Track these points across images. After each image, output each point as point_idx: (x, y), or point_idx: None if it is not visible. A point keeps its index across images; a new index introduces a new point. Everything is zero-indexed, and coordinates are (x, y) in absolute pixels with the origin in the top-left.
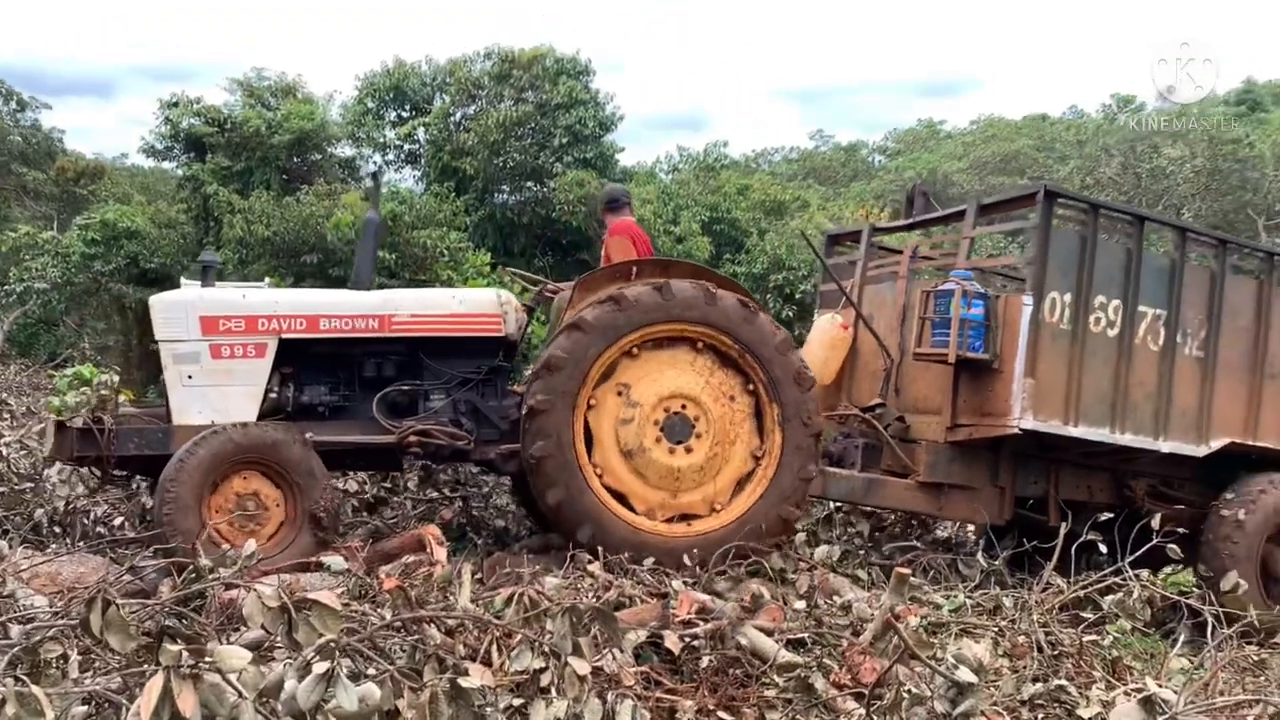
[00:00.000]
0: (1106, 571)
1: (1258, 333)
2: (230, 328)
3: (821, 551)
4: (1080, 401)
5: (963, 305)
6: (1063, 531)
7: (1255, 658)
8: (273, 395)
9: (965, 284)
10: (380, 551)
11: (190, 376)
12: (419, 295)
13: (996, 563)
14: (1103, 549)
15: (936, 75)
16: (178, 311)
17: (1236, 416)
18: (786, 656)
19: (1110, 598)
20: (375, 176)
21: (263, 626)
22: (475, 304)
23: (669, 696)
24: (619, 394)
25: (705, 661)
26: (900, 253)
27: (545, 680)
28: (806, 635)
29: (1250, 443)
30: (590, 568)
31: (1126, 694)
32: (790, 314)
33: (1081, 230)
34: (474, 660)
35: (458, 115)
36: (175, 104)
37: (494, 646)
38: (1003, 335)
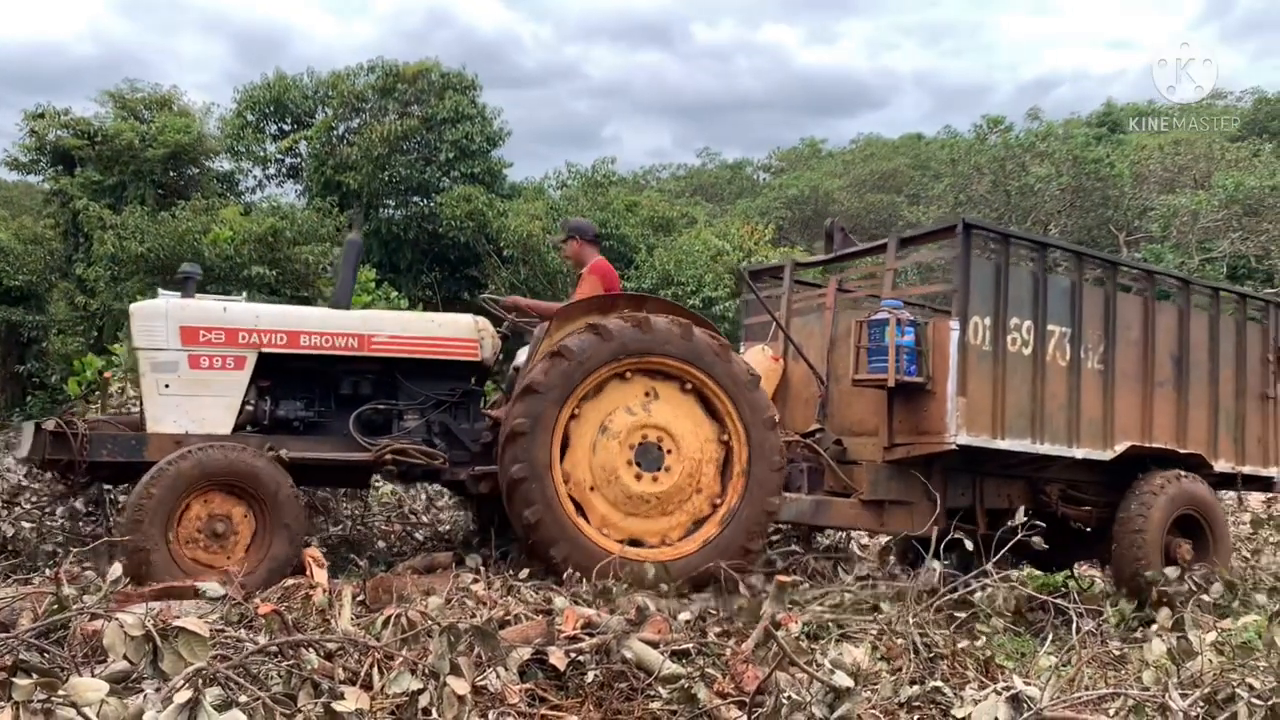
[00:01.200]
0: (975, 572)
1: (1145, 345)
2: (210, 339)
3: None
4: (1005, 416)
5: (897, 333)
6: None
7: (1117, 652)
8: (249, 408)
9: (897, 313)
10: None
11: (167, 385)
12: (398, 317)
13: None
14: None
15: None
16: (158, 320)
17: (1134, 422)
18: (671, 668)
19: (979, 595)
20: (357, 196)
21: (125, 657)
22: (453, 328)
23: (554, 713)
24: (605, 417)
25: (591, 676)
26: (820, 286)
27: (424, 702)
28: (691, 646)
29: (1147, 444)
30: (473, 586)
31: (997, 693)
32: None
33: (995, 258)
34: (354, 684)
35: (341, 129)
36: (41, 115)
37: (375, 669)
38: (934, 359)
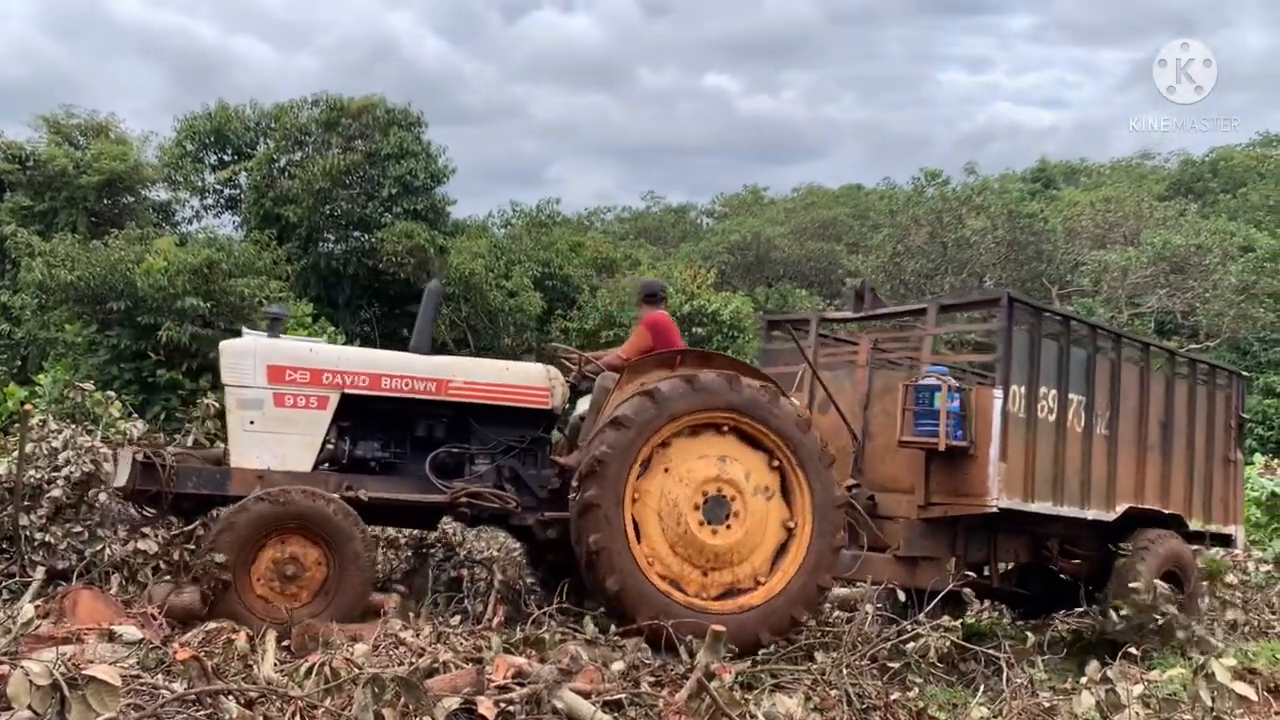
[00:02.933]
0: (907, 622)
1: (1141, 412)
2: (295, 378)
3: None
4: (1035, 479)
5: (948, 399)
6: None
7: (1047, 704)
8: (329, 447)
9: (945, 380)
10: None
11: (252, 422)
12: (474, 364)
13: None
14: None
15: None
16: (245, 359)
17: (1131, 484)
18: (602, 719)
19: (911, 645)
20: (441, 249)
21: (30, 707)
22: (526, 376)
23: None
24: (660, 482)
25: None
26: (850, 343)
27: None
28: (624, 696)
29: (1141, 505)
30: (403, 635)
31: None
32: None
33: (1030, 331)
34: None
35: (282, 161)
36: None
37: (297, 718)
38: (977, 424)
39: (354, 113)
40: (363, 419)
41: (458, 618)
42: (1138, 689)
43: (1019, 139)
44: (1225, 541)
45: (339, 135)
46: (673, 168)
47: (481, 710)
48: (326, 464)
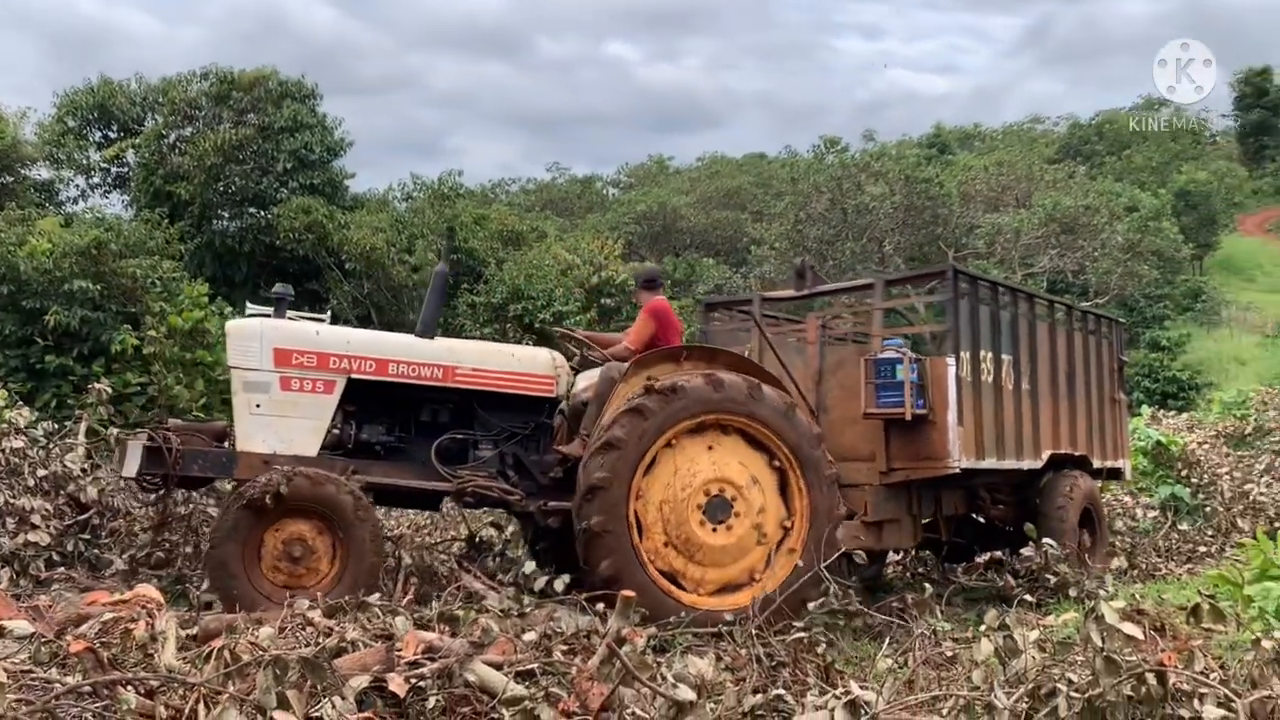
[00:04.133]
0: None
1: (1053, 365)
2: (303, 362)
3: (542, 582)
4: (983, 438)
5: (908, 370)
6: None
7: (949, 653)
8: (335, 431)
9: (904, 352)
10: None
11: (258, 405)
12: (481, 349)
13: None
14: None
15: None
16: (252, 341)
17: (1051, 432)
18: (514, 689)
19: (814, 605)
20: (450, 231)
21: None
22: (532, 363)
23: None
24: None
25: (432, 702)
26: (795, 321)
27: None
28: (536, 666)
29: (1059, 451)
30: (310, 614)
31: (836, 697)
32: (530, 344)
33: (970, 299)
34: None
35: (171, 137)
36: None
37: (200, 706)
38: (934, 392)
39: (245, 86)
40: (368, 403)
41: (374, 595)
42: (1034, 634)
43: (915, 105)
44: (1116, 474)
45: (230, 109)
46: (577, 138)
47: (392, 687)
48: (333, 448)
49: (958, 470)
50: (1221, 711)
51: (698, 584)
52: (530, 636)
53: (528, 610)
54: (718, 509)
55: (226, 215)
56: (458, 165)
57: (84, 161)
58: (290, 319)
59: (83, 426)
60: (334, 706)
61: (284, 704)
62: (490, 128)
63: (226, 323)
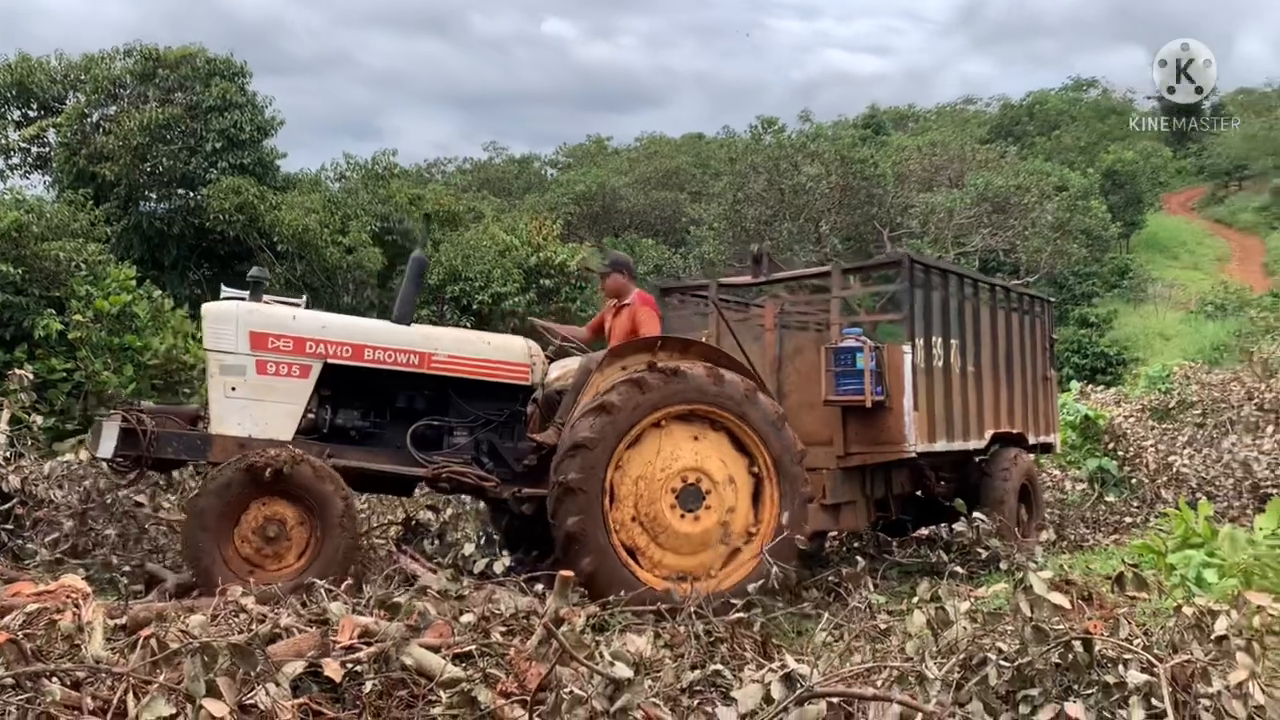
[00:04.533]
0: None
1: (994, 346)
2: (279, 346)
3: (482, 564)
4: (935, 421)
5: (867, 358)
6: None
7: (883, 625)
8: (310, 416)
9: (864, 340)
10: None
11: (234, 389)
12: (457, 336)
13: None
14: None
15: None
16: (228, 324)
17: (993, 411)
18: (452, 672)
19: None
20: (427, 218)
21: None
22: (507, 351)
23: None
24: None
25: (369, 686)
26: (749, 306)
27: None
28: (474, 648)
29: (999, 429)
30: (243, 601)
31: (773, 671)
32: (468, 325)
33: (924, 287)
34: (104, 714)
35: (95, 116)
36: None
37: (130, 696)
38: (890, 379)
39: (171, 63)
40: (344, 388)
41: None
42: (965, 605)
43: (850, 85)
44: (1048, 449)
45: (156, 87)
46: (514, 117)
47: (327, 672)
48: (309, 433)
49: (914, 454)
50: (1144, 676)
51: (654, 565)
52: (468, 619)
53: (466, 592)
54: (690, 497)
55: (154, 196)
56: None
57: (2, 141)
58: (266, 303)
59: (5, 414)
60: (268, 693)
61: (214, 692)
62: (425, 107)
63: (203, 305)
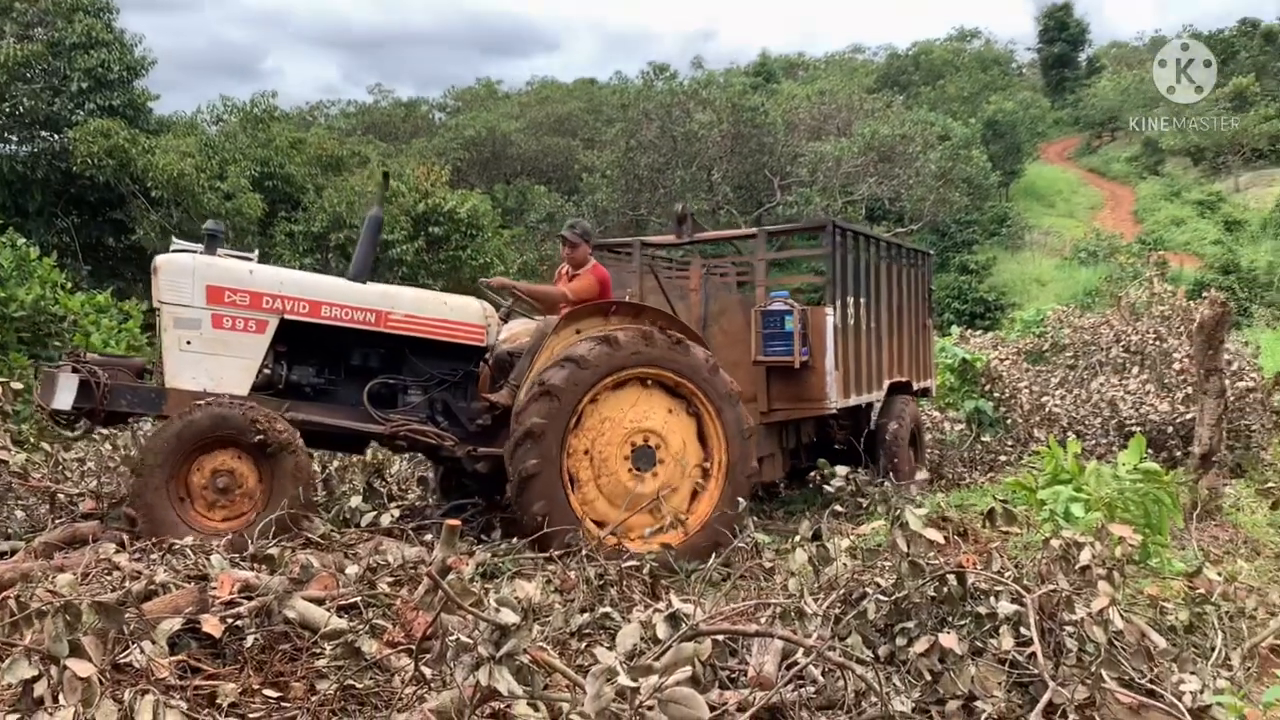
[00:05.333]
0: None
1: (888, 301)
2: (235, 300)
3: (371, 517)
4: (849, 378)
5: (795, 321)
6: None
7: (768, 564)
8: (266, 371)
9: (792, 304)
10: None
11: (189, 343)
12: (414, 295)
13: None
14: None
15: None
16: (184, 276)
17: (889, 363)
18: (336, 623)
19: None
20: (385, 175)
21: None
22: (464, 312)
23: (209, 683)
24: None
25: (251, 640)
26: (673, 265)
27: (40, 689)
28: (359, 599)
29: (893, 379)
30: (116, 558)
31: (658, 611)
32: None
33: (844, 250)
34: None
35: None
36: None
37: None
38: (814, 339)
39: None
40: (299, 345)
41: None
42: (845, 543)
43: (741, 32)
44: (926, 393)
45: (14, 23)
46: (400, 59)
47: (206, 628)
48: (267, 389)
49: (834, 410)
50: (1014, 606)
51: (585, 501)
52: (353, 570)
53: (352, 543)
54: (642, 458)
55: (15, 139)
56: (272, 87)
57: None
58: (219, 256)
59: None
60: (143, 651)
61: (79, 652)
62: (307, 47)
63: (156, 257)
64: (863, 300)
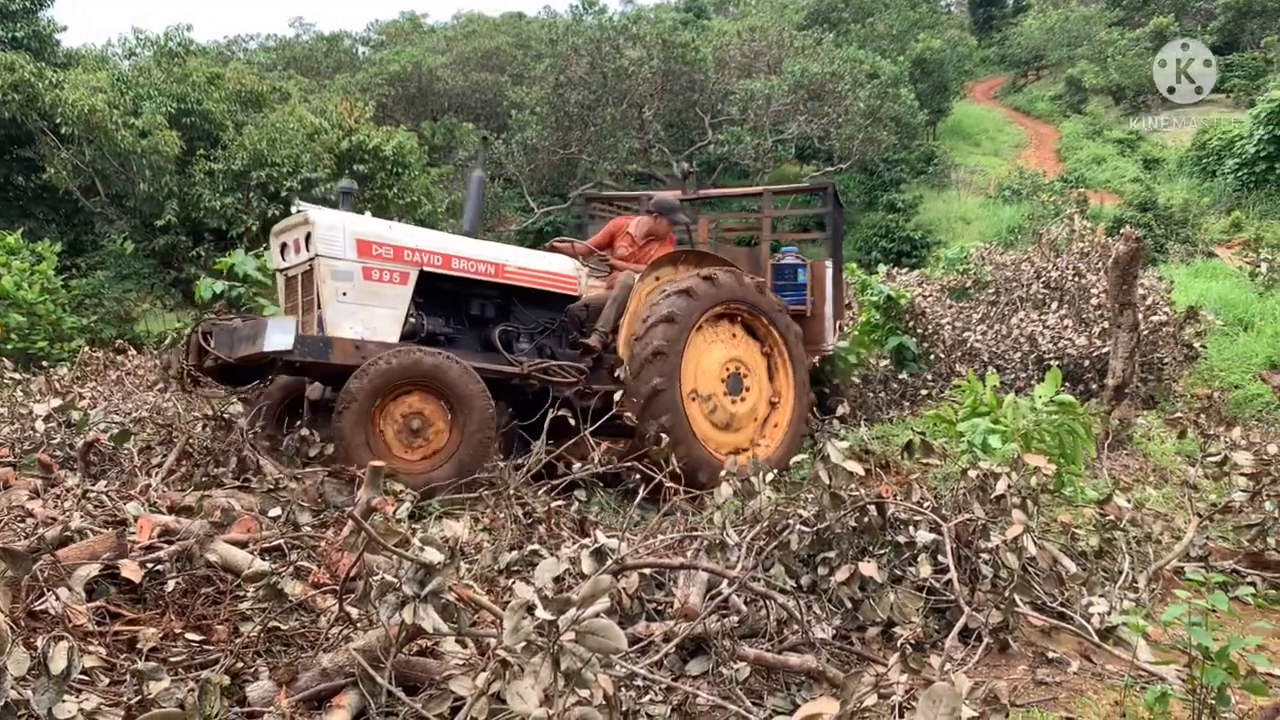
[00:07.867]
0: (571, 441)
1: (834, 247)
2: (381, 254)
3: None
4: (838, 323)
5: (804, 274)
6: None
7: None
8: (411, 320)
9: (802, 258)
10: None
11: (345, 294)
12: (521, 251)
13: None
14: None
15: None
16: (337, 232)
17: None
18: (259, 566)
19: (577, 467)
20: (484, 139)
21: None
22: (561, 266)
23: (129, 628)
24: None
25: (172, 585)
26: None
27: None
28: (283, 541)
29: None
30: (30, 505)
31: (584, 547)
32: (276, 213)
33: (838, 208)
34: None
35: None
36: None
37: None
38: (817, 290)
39: None
40: (432, 296)
41: (103, 483)
42: (770, 476)
43: None
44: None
45: None
46: None
47: (125, 573)
48: (412, 338)
49: (830, 351)
50: (932, 535)
51: (717, 447)
52: (276, 512)
53: (303, 482)
54: (734, 384)
55: None
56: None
57: None
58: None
59: None
60: (59, 598)
61: None
62: None
63: (310, 210)
64: (840, 253)
